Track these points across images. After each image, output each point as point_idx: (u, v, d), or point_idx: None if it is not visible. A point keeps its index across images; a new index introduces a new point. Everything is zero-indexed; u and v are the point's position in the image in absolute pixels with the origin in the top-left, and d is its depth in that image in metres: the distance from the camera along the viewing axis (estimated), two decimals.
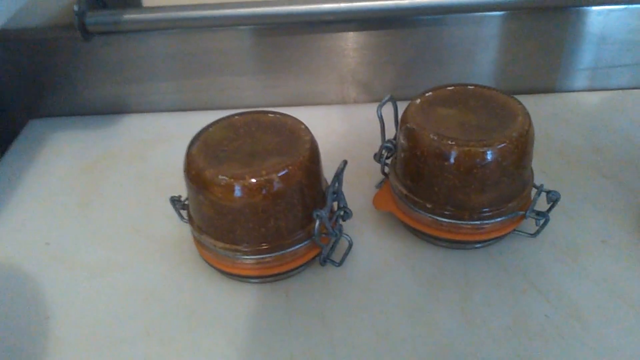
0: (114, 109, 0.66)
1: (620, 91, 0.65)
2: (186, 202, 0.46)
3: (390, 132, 0.48)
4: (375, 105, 0.47)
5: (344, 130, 0.61)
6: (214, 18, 0.59)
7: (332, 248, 0.45)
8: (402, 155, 0.45)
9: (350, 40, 0.63)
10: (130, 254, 0.48)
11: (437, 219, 0.44)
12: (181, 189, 0.47)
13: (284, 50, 0.63)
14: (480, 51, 0.64)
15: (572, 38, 0.63)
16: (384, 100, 0.47)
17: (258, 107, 0.48)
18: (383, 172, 0.50)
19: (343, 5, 0.58)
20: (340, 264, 0.45)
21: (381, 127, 0.48)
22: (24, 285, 0.46)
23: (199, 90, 0.66)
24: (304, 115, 0.45)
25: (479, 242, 0.45)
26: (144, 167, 0.58)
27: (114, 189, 0.56)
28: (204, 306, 0.43)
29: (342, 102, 0.67)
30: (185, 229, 0.49)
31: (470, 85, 0.47)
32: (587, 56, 0.64)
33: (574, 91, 0.66)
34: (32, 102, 0.66)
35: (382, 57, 0.64)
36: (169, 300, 0.44)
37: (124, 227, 0.51)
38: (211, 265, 0.44)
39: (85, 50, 0.62)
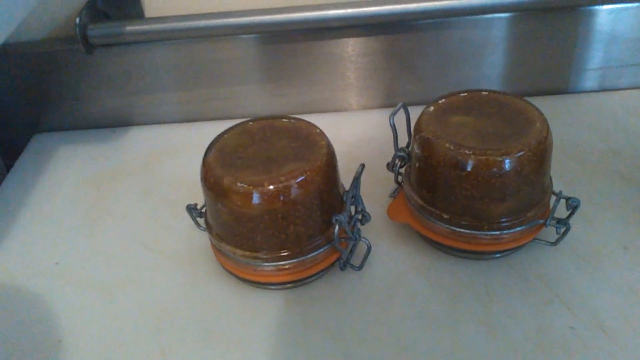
0: (119, 122, 0.66)
1: (633, 90, 0.64)
2: (203, 210, 0.45)
3: (402, 139, 0.47)
4: (384, 111, 0.46)
5: (354, 137, 0.60)
6: (218, 27, 0.58)
7: (351, 252, 0.45)
8: (417, 165, 0.44)
9: (357, 46, 0.62)
10: (142, 270, 0.47)
11: (454, 230, 0.43)
12: (189, 201, 0.46)
13: (289, 58, 0.62)
14: (490, 54, 0.63)
15: (583, 38, 0.62)
16: (396, 108, 0.45)
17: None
18: (397, 182, 0.49)
19: (350, 10, 0.57)
20: (360, 267, 0.45)
21: (394, 135, 0.47)
22: (35, 307, 0.45)
23: (204, 100, 0.65)
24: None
25: (498, 252, 0.44)
26: (150, 180, 0.57)
27: (121, 203, 0.55)
28: (221, 320, 0.42)
29: (350, 108, 0.66)
30: (196, 241, 0.48)
31: (485, 90, 0.46)
32: (598, 56, 0.63)
33: (585, 92, 0.65)
34: (37, 116, 0.65)
35: (389, 63, 0.63)
36: (184, 317, 0.43)
37: (134, 242, 0.50)
38: (231, 273, 0.44)
39: (89, 62, 0.61)
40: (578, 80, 0.65)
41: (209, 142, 0.43)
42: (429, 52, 0.62)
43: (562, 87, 0.65)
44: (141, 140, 0.63)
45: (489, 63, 0.63)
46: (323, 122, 0.45)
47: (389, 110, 0.46)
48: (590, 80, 0.65)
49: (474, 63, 0.63)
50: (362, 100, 0.66)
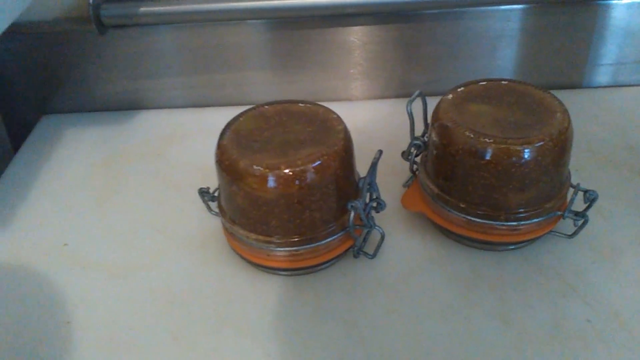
0: (129, 105, 0.65)
1: None
2: (215, 194, 0.44)
3: (417, 128, 0.47)
4: (395, 101, 0.46)
5: (366, 126, 0.59)
6: (231, 11, 0.58)
7: (365, 240, 0.44)
8: (434, 152, 0.43)
9: (370, 34, 0.61)
10: (151, 253, 0.47)
11: (470, 219, 0.42)
12: (199, 185, 0.45)
13: (301, 45, 0.62)
14: (505, 46, 0.62)
15: (598, 32, 0.61)
16: (413, 96, 0.45)
17: None
18: (412, 170, 0.48)
19: None
20: (373, 256, 0.44)
21: (410, 123, 0.46)
22: (43, 288, 0.44)
23: (214, 86, 0.64)
24: None
25: (514, 243, 0.44)
26: (160, 163, 0.57)
27: (130, 186, 0.54)
28: (232, 305, 0.42)
29: (362, 97, 0.65)
30: (207, 225, 0.48)
31: (504, 80, 0.45)
32: (613, 50, 0.63)
33: (600, 87, 0.64)
34: (45, 98, 0.64)
35: (403, 52, 0.62)
36: (194, 301, 0.42)
37: (143, 225, 0.49)
38: (243, 258, 0.44)
39: (100, 44, 0.60)
40: (592, 75, 0.64)
41: (218, 128, 0.43)
42: (444, 42, 0.62)
43: (576, 81, 0.65)
44: (151, 124, 0.63)
45: (504, 55, 0.63)
46: (336, 110, 0.44)
47: (401, 100, 0.45)
48: (604, 75, 0.64)
49: (489, 54, 0.63)
50: (374, 89, 0.65)
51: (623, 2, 0.59)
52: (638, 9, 0.59)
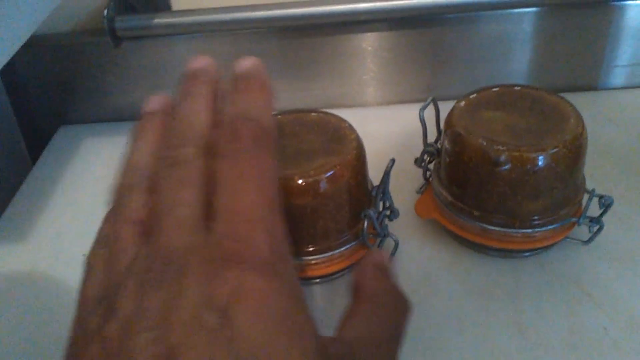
0: None
1: None
2: None
3: (430, 135, 0.47)
4: (408, 107, 0.46)
5: (378, 132, 0.59)
6: (244, 21, 0.58)
7: (379, 248, 0.44)
8: (447, 160, 0.43)
9: (381, 40, 0.61)
10: None
11: (485, 227, 0.42)
12: None
13: (313, 52, 0.62)
14: (517, 49, 0.62)
15: (613, 33, 0.61)
16: (426, 102, 0.45)
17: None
18: (425, 178, 0.48)
19: (375, 4, 0.57)
20: None
21: (423, 130, 0.46)
22: (61, 298, 0.45)
23: None
24: None
25: (529, 250, 0.43)
26: None
27: None
28: None
29: (374, 103, 0.65)
30: None
31: (517, 85, 0.45)
32: (628, 52, 0.62)
33: (615, 88, 0.64)
34: (63, 108, 0.65)
35: (413, 58, 0.62)
36: None
37: None
38: None
39: (116, 55, 0.61)
40: (608, 77, 0.64)
41: None
42: (457, 47, 0.62)
43: (592, 83, 0.64)
44: None
45: (517, 59, 0.62)
46: (347, 117, 0.44)
47: (414, 106, 0.45)
48: (620, 76, 0.64)
49: (503, 58, 0.62)
50: (386, 95, 0.65)
51: (636, 2, 0.59)
52: None
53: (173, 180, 0.27)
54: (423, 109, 0.45)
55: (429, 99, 0.45)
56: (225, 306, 0.22)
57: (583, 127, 0.41)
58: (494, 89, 0.45)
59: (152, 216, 0.26)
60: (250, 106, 0.29)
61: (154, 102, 0.32)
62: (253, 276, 0.23)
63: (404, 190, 0.51)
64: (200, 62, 0.34)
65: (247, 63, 0.32)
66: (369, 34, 0.61)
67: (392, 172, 0.42)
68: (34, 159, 0.62)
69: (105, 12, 0.56)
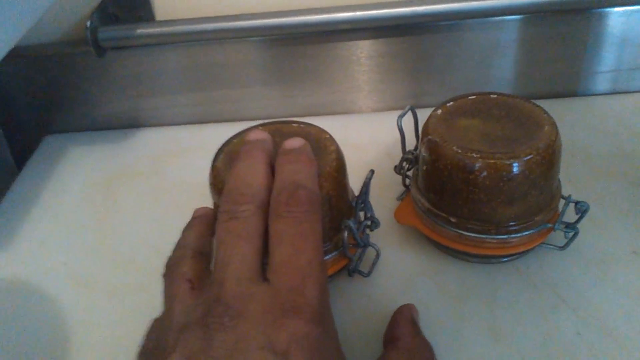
0: (129, 124, 0.66)
1: None
2: None
3: (411, 142, 0.47)
4: (392, 114, 0.46)
5: (363, 140, 0.60)
6: (228, 30, 0.58)
7: (359, 258, 0.45)
8: (424, 168, 0.44)
9: (366, 49, 0.62)
10: (151, 273, 0.47)
11: (462, 233, 0.43)
12: (198, 204, 0.46)
13: (298, 61, 0.62)
14: (499, 56, 0.62)
15: (594, 40, 0.61)
16: (404, 111, 0.45)
17: (274, 118, 0.47)
18: (404, 185, 0.49)
19: (359, 13, 0.57)
20: (369, 274, 0.44)
21: (401, 138, 0.47)
22: (42, 307, 0.45)
23: (214, 102, 0.65)
24: (320, 125, 0.44)
25: (505, 256, 0.44)
26: (161, 181, 0.58)
27: (131, 205, 0.55)
28: None
29: (358, 111, 0.66)
30: None
31: (493, 93, 0.46)
32: (609, 58, 0.63)
33: (595, 94, 0.65)
34: (47, 118, 0.66)
35: (398, 65, 0.63)
36: None
37: (144, 245, 0.50)
38: None
39: (99, 65, 0.62)
40: (589, 83, 0.64)
41: (218, 144, 0.43)
42: (438, 54, 0.62)
43: (572, 89, 0.65)
44: (151, 142, 0.64)
45: (499, 65, 0.63)
46: (332, 124, 0.45)
47: (398, 113, 0.45)
48: (601, 83, 0.64)
49: (484, 65, 0.63)
50: (371, 102, 0.65)
51: (615, 9, 0.59)
52: (631, 16, 0.59)
53: (233, 235, 0.31)
54: (401, 117, 0.45)
55: (407, 108, 0.46)
56: (286, 349, 0.26)
57: (557, 134, 0.41)
58: (471, 97, 0.46)
59: (215, 265, 0.31)
60: (302, 175, 0.34)
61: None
62: (308, 324, 0.28)
63: (386, 197, 0.51)
64: (259, 134, 0.39)
65: (297, 141, 0.37)
66: (352, 42, 0.61)
67: (375, 179, 0.42)
68: (20, 169, 0.62)
69: (89, 22, 0.56)
